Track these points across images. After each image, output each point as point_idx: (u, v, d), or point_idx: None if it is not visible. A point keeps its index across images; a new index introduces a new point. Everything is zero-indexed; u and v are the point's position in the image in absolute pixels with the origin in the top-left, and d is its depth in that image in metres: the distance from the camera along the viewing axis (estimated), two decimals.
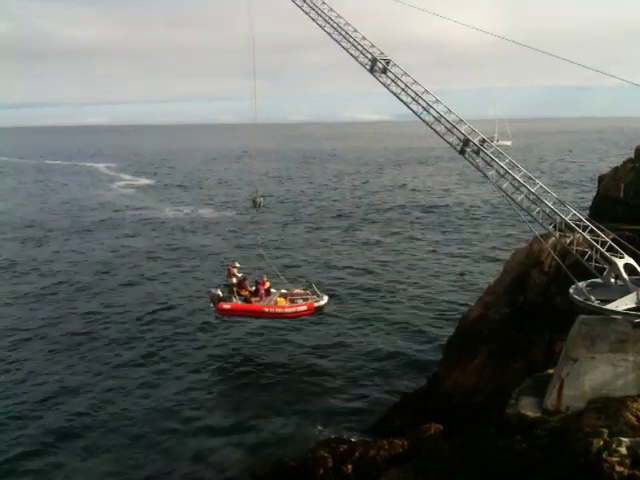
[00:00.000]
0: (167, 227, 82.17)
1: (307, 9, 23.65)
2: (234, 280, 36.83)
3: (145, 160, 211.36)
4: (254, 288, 36.81)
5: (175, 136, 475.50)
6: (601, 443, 15.16)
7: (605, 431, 15.54)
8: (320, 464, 22.65)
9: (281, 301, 36.05)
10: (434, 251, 64.73)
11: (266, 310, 35.76)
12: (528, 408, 18.69)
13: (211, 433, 29.55)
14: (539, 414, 18.26)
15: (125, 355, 38.47)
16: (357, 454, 22.56)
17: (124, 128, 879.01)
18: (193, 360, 37.65)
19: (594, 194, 37.35)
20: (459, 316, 33.34)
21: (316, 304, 36.20)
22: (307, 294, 37.11)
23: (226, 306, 35.52)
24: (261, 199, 38.18)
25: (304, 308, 35.98)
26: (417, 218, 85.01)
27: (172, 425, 30.18)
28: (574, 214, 20.11)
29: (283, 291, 37.11)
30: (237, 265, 37.68)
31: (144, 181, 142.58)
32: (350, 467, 22.12)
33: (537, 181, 20.62)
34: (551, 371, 20.16)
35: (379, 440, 22.96)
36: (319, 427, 29.51)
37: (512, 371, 25.20)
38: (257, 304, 35.98)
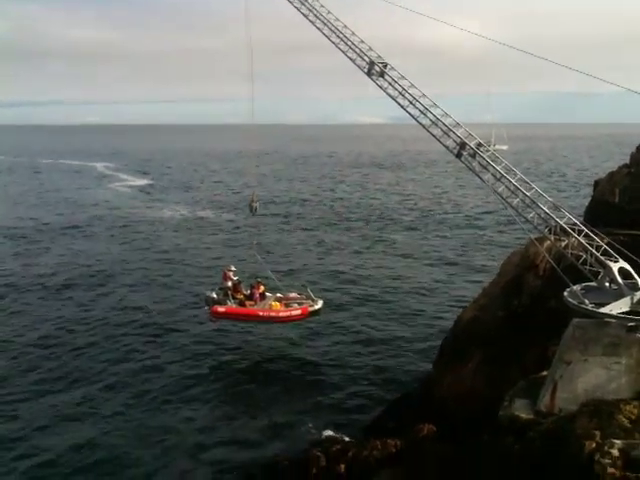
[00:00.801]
0: (163, 228, 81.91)
1: (305, 11, 23.78)
2: (229, 283, 36.92)
3: (143, 160, 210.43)
4: (249, 292, 36.87)
5: (175, 137, 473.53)
6: (594, 445, 15.24)
7: (598, 433, 15.63)
8: (313, 463, 22.67)
9: (276, 305, 36.12)
10: (429, 255, 64.83)
11: (260, 314, 35.81)
12: (521, 410, 18.77)
13: (206, 436, 29.37)
14: (532, 416, 18.34)
15: (121, 366, 37.09)
16: (350, 454, 22.55)
17: (124, 127, 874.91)
18: (188, 365, 37.16)
19: (589, 199, 37.47)
20: (452, 322, 33.37)
21: (311, 308, 36.31)
22: (302, 298, 37.16)
23: (220, 309, 35.63)
24: (257, 203, 38.05)
25: (298, 312, 36.06)
26: (413, 221, 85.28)
27: (170, 423, 30.22)
28: (569, 218, 20.22)
29: (278, 295, 37.16)
30: (233, 268, 37.79)
31: (141, 181, 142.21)
32: (343, 467, 22.13)
33: (533, 185, 20.72)
34: (544, 373, 20.24)
35: (372, 440, 22.96)
36: (312, 428, 29.52)
37: (507, 374, 25.21)
38: (252, 308, 36.03)
